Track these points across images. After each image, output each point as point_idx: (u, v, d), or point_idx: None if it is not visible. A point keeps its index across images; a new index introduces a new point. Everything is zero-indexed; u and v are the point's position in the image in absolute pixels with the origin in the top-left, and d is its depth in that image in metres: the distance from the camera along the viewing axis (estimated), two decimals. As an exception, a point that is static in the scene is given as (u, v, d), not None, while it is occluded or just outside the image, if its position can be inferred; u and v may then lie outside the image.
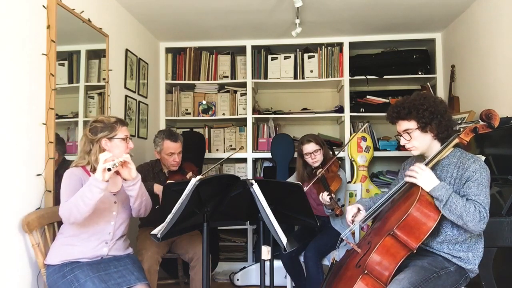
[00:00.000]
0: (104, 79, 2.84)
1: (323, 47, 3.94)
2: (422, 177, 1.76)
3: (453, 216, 1.69)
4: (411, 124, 1.85)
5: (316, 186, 2.72)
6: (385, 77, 3.85)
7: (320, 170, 2.72)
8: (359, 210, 2.05)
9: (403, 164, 2.15)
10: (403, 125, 1.87)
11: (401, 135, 1.90)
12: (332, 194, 2.55)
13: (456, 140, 1.81)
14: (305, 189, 2.83)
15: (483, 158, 2.52)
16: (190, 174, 2.85)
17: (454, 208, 1.68)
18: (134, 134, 3.40)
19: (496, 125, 1.80)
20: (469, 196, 1.72)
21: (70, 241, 1.94)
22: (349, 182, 3.64)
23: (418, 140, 1.86)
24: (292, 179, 2.97)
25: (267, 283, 2.03)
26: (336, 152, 3.20)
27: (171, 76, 4.06)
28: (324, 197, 2.52)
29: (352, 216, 2.02)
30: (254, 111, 3.98)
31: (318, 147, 2.80)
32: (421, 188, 1.77)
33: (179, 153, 2.82)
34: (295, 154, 3.78)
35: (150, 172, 2.83)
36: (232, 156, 3.96)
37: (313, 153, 2.78)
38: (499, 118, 1.81)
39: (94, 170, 1.96)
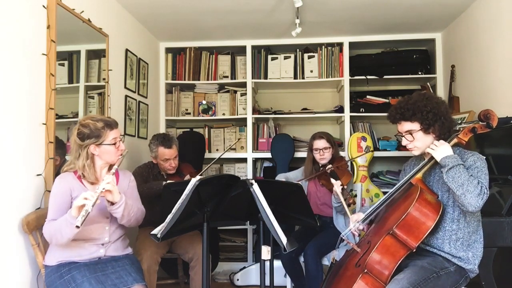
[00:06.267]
0: (104, 79, 2.84)
1: (323, 47, 3.93)
2: (439, 148, 1.79)
3: (454, 184, 1.70)
4: (414, 126, 1.86)
5: (325, 183, 2.73)
6: (385, 77, 3.85)
7: (330, 166, 2.75)
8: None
9: (404, 166, 2.17)
10: (406, 126, 1.88)
11: (402, 135, 1.91)
12: (344, 186, 2.56)
13: (455, 140, 1.84)
14: (309, 182, 2.84)
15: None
16: (187, 177, 2.84)
17: (458, 176, 1.69)
18: (134, 134, 3.40)
19: (495, 125, 1.81)
20: None
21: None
22: (349, 182, 3.65)
23: (421, 141, 1.86)
24: (298, 172, 2.97)
25: (267, 283, 2.03)
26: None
27: (171, 76, 4.06)
28: (337, 186, 2.38)
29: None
30: (254, 111, 3.98)
31: (329, 145, 2.83)
32: (420, 188, 1.78)
33: (174, 158, 2.81)
34: (295, 154, 3.81)
35: (150, 174, 2.83)
36: (232, 156, 3.98)
37: (322, 150, 2.81)
38: (498, 118, 1.81)
39: (83, 177, 1.94)
